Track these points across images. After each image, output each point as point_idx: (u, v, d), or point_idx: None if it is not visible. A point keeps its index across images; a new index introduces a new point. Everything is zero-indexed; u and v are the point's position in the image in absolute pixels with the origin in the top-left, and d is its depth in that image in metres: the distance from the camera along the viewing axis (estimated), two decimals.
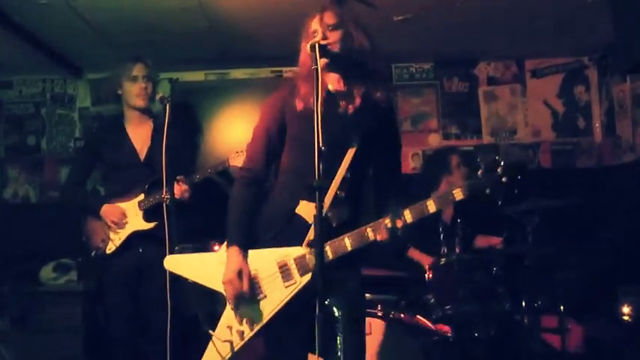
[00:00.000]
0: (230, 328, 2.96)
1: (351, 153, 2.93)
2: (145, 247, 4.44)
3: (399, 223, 2.77)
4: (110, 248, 4.45)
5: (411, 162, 6.44)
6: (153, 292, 4.29)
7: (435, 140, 6.54)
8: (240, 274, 2.90)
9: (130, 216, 4.46)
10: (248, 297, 2.92)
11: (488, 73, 6.66)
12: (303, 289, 2.87)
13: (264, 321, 2.89)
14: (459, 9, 5.05)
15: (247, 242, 2.99)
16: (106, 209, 4.45)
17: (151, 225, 4.41)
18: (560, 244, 5.11)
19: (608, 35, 4.31)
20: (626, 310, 5.04)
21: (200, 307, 3.20)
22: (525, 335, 4.73)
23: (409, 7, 5.02)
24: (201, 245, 5.39)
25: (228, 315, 2.99)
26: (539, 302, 4.83)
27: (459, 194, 2.77)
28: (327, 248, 2.82)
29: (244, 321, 2.94)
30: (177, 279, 3.83)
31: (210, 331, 3.01)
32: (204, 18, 5.08)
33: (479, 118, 6.59)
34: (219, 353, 2.97)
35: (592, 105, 6.64)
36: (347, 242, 2.85)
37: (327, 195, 2.83)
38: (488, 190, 2.74)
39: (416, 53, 6.39)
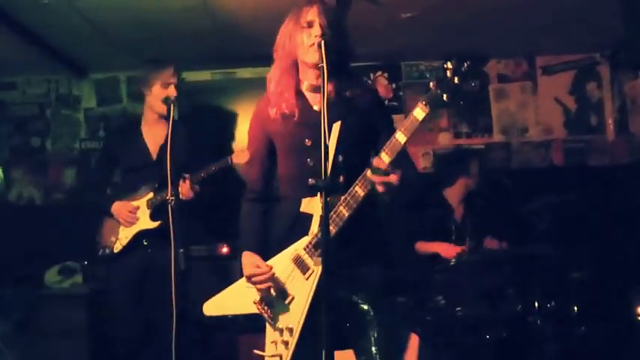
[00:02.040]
0: (275, 342, 2.95)
1: (336, 130, 2.87)
2: (153, 248, 4.38)
3: (381, 164, 2.69)
4: (117, 247, 4.43)
5: (421, 161, 6.37)
6: (159, 293, 4.16)
7: (445, 139, 6.47)
8: (255, 264, 2.94)
9: (139, 214, 4.45)
10: (279, 303, 2.93)
11: (499, 71, 6.58)
12: (322, 277, 2.78)
13: (301, 321, 2.85)
14: (468, 6, 4.97)
15: (258, 246, 3.05)
16: (117, 206, 4.45)
17: (155, 224, 4.37)
18: (572, 243, 5.05)
19: (620, 31, 4.24)
20: None
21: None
22: (538, 337, 4.67)
23: (417, 4, 4.95)
24: (209, 247, 5.38)
25: (269, 331, 2.99)
26: (552, 303, 4.76)
27: (419, 113, 2.68)
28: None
29: (284, 330, 2.91)
30: (183, 280, 3.83)
31: (257, 351, 3.00)
32: (208, 17, 5.03)
33: (489, 116, 6.52)
34: None
35: (604, 102, 6.56)
36: (342, 209, 2.80)
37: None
38: (445, 97, 2.67)
39: (425, 51, 6.32)
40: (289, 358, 2.87)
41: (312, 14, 2.93)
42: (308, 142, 2.94)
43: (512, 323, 4.58)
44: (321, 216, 2.63)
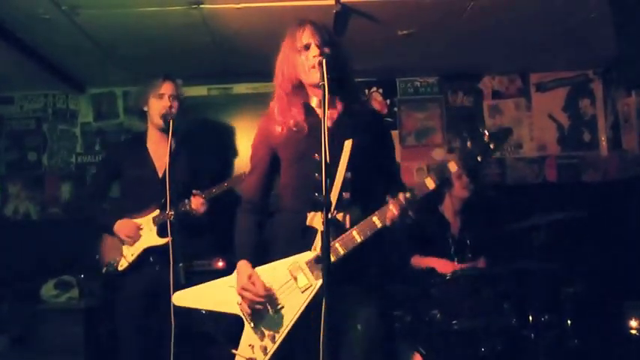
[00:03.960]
0: (252, 346, 2.96)
1: (348, 147, 2.94)
2: (162, 266, 4.26)
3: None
4: (122, 265, 4.37)
5: (415, 176, 6.39)
6: (165, 309, 3.98)
7: (439, 155, 6.51)
8: (251, 279, 2.94)
9: (144, 231, 4.40)
10: (266, 310, 2.94)
11: (493, 87, 6.64)
12: (319, 293, 2.84)
13: (286, 331, 2.88)
14: (463, 23, 5.02)
15: (254, 259, 3.04)
16: (120, 224, 4.37)
17: (164, 240, 4.28)
18: (566, 258, 5.08)
19: (613, 49, 4.29)
20: (633, 324, 5.02)
21: (217, 330, 3.23)
22: (532, 351, 4.69)
23: (414, 21, 5.00)
24: (206, 262, 5.39)
25: (248, 333, 2.99)
26: (546, 317, 4.79)
27: (453, 166, 2.85)
28: (337, 245, 2.84)
29: (266, 335, 2.93)
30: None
31: (234, 351, 3.01)
32: (207, 33, 5.06)
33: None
34: None
35: (597, 119, 6.64)
36: (355, 234, 2.85)
37: (332, 197, 2.82)
38: (479, 158, 2.84)
39: (420, 67, 6.38)
40: None
41: (306, 37, 3.00)
42: (317, 157, 2.93)
43: (507, 337, 4.60)
44: (321, 232, 2.68)
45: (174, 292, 3.81)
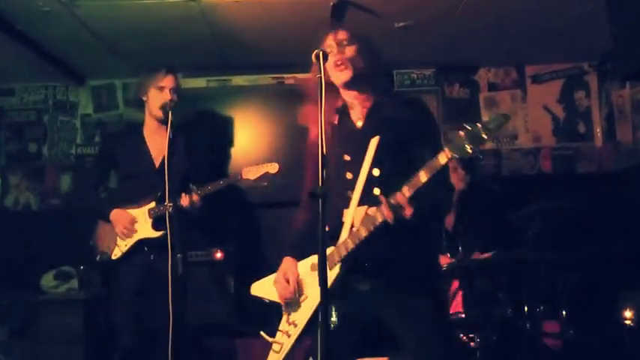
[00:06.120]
0: (282, 332, 3.12)
1: (374, 144, 2.95)
2: (155, 256, 4.30)
3: (400, 199, 2.73)
4: (116, 254, 4.37)
5: None
6: (160, 299, 4.04)
7: None
8: (286, 276, 3.10)
9: (139, 223, 4.40)
10: (295, 300, 3.09)
11: (489, 79, 6.68)
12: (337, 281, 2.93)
13: (306, 320, 3.01)
14: (459, 16, 5.06)
15: (298, 253, 3.18)
16: (116, 215, 4.38)
17: (159, 234, 4.30)
18: (561, 249, 5.12)
19: (607, 41, 4.33)
20: (628, 314, 5.04)
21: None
22: (527, 341, 4.73)
23: (410, 14, 5.03)
24: (205, 252, 5.44)
25: (283, 321, 3.16)
26: (541, 307, 4.83)
27: (443, 158, 2.70)
28: (348, 240, 2.89)
29: (291, 323, 3.09)
30: (182, 288, 3.89)
31: (264, 334, 3.16)
32: (206, 26, 5.09)
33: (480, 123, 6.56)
34: (273, 355, 3.13)
35: (592, 110, 6.67)
36: (361, 229, 2.87)
37: (355, 194, 2.91)
38: (469, 149, 2.67)
39: (417, 59, 6.41)
40: (289, 347, 3.03)
41: (329, 40, 3.06)
42: (347, 158, 3.03)
43: (502, 327, 4.64)
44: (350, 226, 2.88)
45: (171, 282, 3.89)
